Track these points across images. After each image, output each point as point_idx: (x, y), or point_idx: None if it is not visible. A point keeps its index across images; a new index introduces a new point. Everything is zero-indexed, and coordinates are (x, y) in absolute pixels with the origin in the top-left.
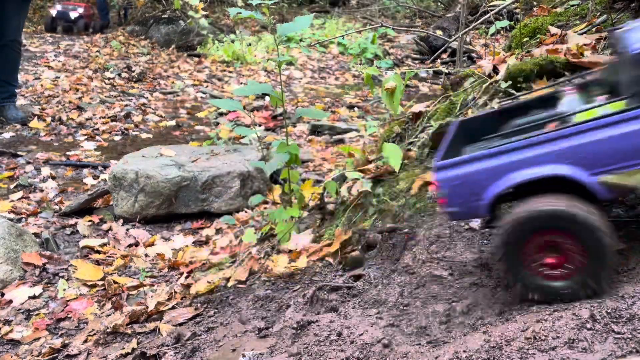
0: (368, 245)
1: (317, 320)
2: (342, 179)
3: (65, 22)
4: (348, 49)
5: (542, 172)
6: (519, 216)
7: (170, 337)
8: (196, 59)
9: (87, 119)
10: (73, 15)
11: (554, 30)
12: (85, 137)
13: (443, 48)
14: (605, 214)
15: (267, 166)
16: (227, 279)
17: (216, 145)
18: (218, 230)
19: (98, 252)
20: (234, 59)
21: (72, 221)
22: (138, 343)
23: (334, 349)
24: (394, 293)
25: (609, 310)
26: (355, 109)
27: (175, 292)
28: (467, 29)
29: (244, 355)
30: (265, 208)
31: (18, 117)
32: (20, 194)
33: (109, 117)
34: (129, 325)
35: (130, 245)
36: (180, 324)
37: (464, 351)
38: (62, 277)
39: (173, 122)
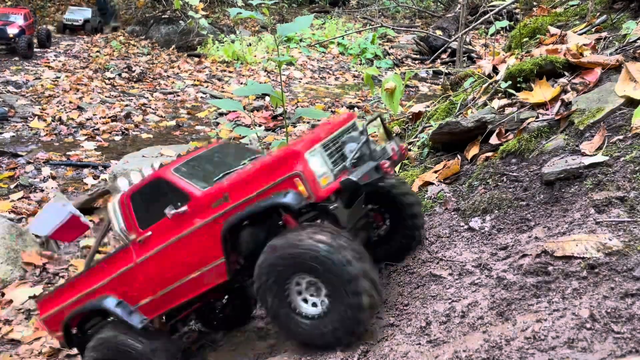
0: None
1: None
2: None
3: (2, 41)
4: (348, 49)
5: None
6: None
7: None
8: (196, 59)
9: (87, 119)
10: (11, 31)
11: (553, 30)
12: (86, 137)
13: (443, 48)
14: None
15: None
16: None
17: None
18: None
19: (98, 252)
20: (234, 59)
21: None
22: None
23: (334, 349)
24: (393, 293)
25: (609, 310)
26: (355, 109)
27: None
28: (466, 29)
29: (244, 355)
30: None
31: None
32: (20, 193)
33: (109, 117)
34: None
35: None
36: None
37: (464, 351)
38: (62, 277)
39: (173, 122)
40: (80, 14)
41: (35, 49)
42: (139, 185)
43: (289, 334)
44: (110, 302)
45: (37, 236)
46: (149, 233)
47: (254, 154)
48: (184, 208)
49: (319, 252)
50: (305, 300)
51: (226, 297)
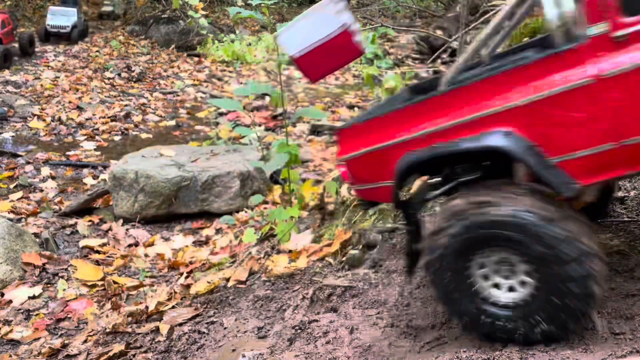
0: (368, 245)
1: (317, 321)
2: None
3: None
4: None
5: None
6: None
7: (171, 337)
8: (196, 58)
9: (86, 119)
10: None
11: None
12: (85, 137)
13: (443, 48)
14: None
15: (267, 166)
16: (227, 279)
17: (216, 145)
18: (218, 230)
19: (98, 252)
20: (234, 58)
21: (72, 221)
22: (135, 342)
23: (333, 349)
24: (394, 293)
25: (610, 310)
26: (355, 109)
27: (175, 292)
28: (467, 29)
29: (243, 356)
30: (265, 208)
31: None
32: (20, 194)
33: (108, 117)
34: (129, 325)
35: (130, 245)
36: (180, 324)
37: (464, 351)
38: (62, 277)
39: (173, 122)
40: (65, 19)
41: (30, 50)
42: None
43: None
44: (516, 142)
45: (37, 236)
46: None
47: None
48: None
49: None
50: None
51: None
